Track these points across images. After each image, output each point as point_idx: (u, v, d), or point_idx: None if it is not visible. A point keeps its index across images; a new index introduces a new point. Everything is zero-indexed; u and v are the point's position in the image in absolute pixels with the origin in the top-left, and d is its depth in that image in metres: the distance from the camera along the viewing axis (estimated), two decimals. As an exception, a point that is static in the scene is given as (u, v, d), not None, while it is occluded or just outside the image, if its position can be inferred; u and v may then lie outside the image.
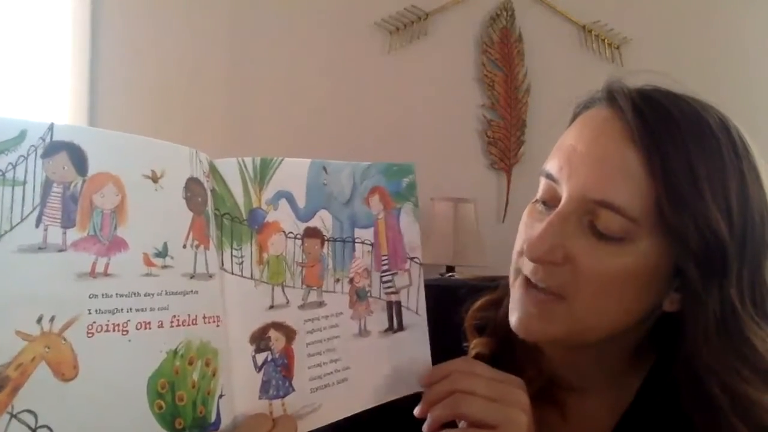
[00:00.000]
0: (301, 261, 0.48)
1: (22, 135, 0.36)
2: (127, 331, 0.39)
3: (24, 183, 0.36)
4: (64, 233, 0.37)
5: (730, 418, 0.52)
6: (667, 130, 0.53)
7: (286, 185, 0.48)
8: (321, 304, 0.49)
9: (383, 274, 0.53)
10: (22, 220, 0.36)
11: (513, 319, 0.57)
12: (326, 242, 0.49)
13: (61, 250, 0.37)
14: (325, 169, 0.50)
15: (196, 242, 0.42)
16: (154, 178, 0.41)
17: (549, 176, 0.55)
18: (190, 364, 0.41)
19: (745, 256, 0.52)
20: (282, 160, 0.48)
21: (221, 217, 0.45)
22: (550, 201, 0.55)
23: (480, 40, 1.91)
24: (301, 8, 1.85)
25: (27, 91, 1.66)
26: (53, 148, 0.37)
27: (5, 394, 0.34)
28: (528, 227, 0.57)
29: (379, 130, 1.83)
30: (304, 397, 0.47)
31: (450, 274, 1.71)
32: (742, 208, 0.53)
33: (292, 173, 0.48)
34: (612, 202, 0.51)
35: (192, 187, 0.43)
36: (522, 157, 1.92)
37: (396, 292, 0.53)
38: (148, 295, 0.40)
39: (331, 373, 0.49)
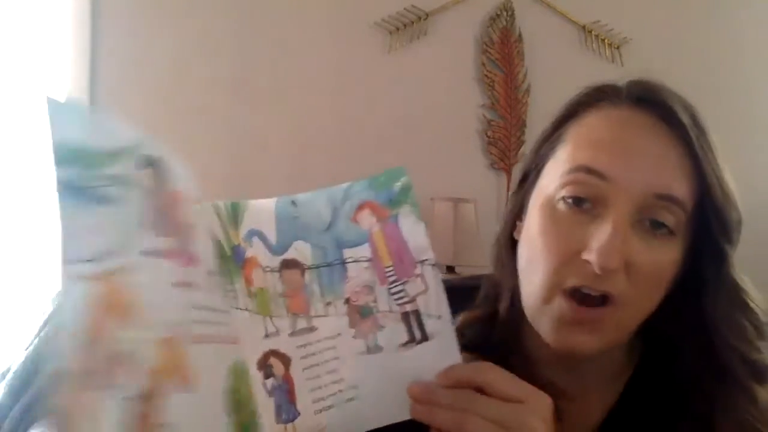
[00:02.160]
0: (281, 292, 0.49)
1: None
2: (211, 343, 0.42)
3: None
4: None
5: (747, 382, 0.56)
6: (701, 129, 0.58)
7: (256, 224, 0.50)
8: (312, 329, 0.50)
9: (391, 286, 0.51)
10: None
11: (553, 336, 0.55)
12: (306, 270, 0.51)
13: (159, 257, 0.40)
14: (293, 203, 0.51)
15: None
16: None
17: (594, 172, 0.54)
18: (242, 381, 0.44)
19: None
20: (248, 202, 0.50)
21: (220, 255, 0.47)
22: (589, 198, 0.54)
23: (480, 40, 1.91)
24: (301, 8, 1.85)
25: (26, 92, 1.66)
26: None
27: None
28: (563, 232, 0.54)
29: (379, 130, 1.84)
30: (310, 418, 0.48)
31: (450, 274, 1.71)
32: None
33: (260, 212, 0.50)
34: (676, 196, 0.53)
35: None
36: (522, 157, 1.92)
37: (411, 301, 0.51)
38: (223, 311, 0.44)
39: (335, 393, 0.49)
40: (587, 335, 0.54)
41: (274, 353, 0.48)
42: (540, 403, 0.48)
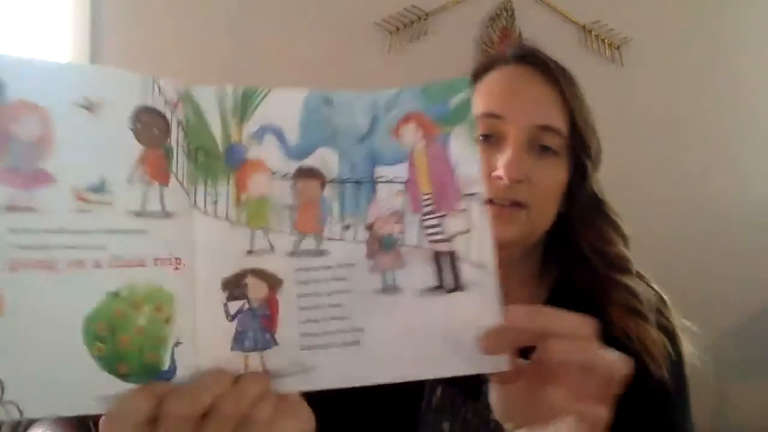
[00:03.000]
0: (290, 204, 0.42)
1: None
2: (56, 269, 0.37)
3: None
4: None
5: (604, 268, 0.74)
6: (568, 77, 0.77)
7: (273, 119, 0.43)
8: (320, 252, 0.43)
9: (425, 217, 0.44)
10: None
11: None
12: (328, 183, 0.43)
13: None
14: (328, 101, 0.44)
15: (147, 177, 0.39)
16: (89, 107, 0.38)
17: (492, 115, 0.71)
18: (136, 308, 0.38)
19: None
20: (269, 90, 0.43)
21: (194, 151, 0.41)
22: (493, 135, 0.71)
23: (480, 40, 1.90)
24: (301, 8, 1.85)
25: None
26: None
27: None
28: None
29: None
30: (291, 353, 0.42)
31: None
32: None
33: (283, 104, 0.43)
34: (553, 125, 0.71)
35: (143, 117, 0.39)
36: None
37: (447, 240, 0.43)
38: (81, 232, 0.37)
39: (334, 332, 0.42)
40: (505, 228, 0.68)
41: (256, 272, 0.41)
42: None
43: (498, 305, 0.43)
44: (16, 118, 0.36)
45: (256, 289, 0.41)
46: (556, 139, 0.71)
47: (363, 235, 0.43)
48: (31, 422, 1.31)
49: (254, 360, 0.41)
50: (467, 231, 0.43)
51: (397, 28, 1.86)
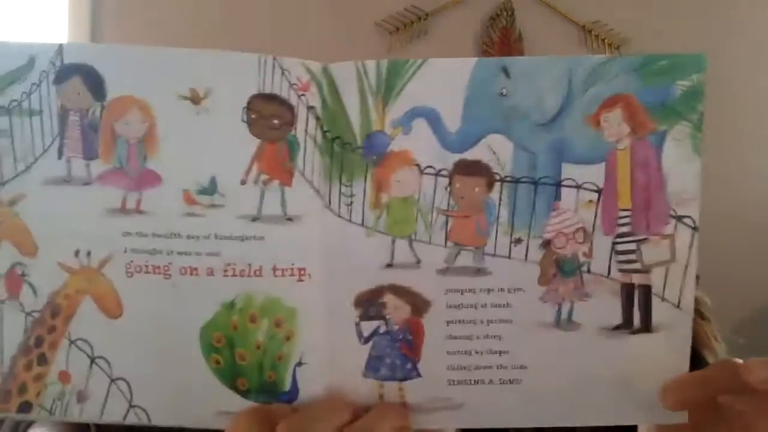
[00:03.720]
0: (446, 208, 0.35)
1: (31, 62, 0.34)
2: (170, 275, 0.34)
3: (40, 112, 0.34)
4: (88, 165, 0.34)
5: None
6: None
7: (427, 99, 0.34)
8: (480, 271, 0.35)
9: (619, 240, 0.35)
10: (44, 151, 0.34)
11: None
12: (498, 183, 0.34)
13: (86, 183, 0.34)
14: (505, 71, 0.34)
15: (265, 177, 0.34)
16: (195, 99, 0.34)
17: None
18: (253, 321, 0.35)
19: None
20: (424, 61, 0.34)
21: (331, 141, 0.34)
22: None
23: (480, 40, 1.90)
24: (300, 8, 1.84)
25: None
26: (64, 72, 0.34)
27: (60, 321, 0.35)
28: None
29: (379, 130, 1.84)
30: (436, 387, 0.36)
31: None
32: None
33: (441, 81, 0.34)
34: None
35: (260, 107, 0.35)
36: (522, 157, 1.91)
37: (644, 271, 0.35)
38: (192, 237, 0.34)
39: (491, 367, 0.36)
40: None
41: (397, 290, 0.35)
42: None
43: (687, 353, 0.36)
44: (120, 115, 0.34)
45: (397, 310, 0.35)
46: None
47: (537, 253, 0.35)
48: (31, 422, 1.31)
49: (390, 391, 0.36)
50: (670, 262, 0.35)
51: (397, 28, 1.86)
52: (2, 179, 0.34)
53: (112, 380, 0.35)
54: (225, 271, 0.34)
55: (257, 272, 0.34)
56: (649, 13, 1.92)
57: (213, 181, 0.34)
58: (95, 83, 0.34)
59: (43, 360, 0.35)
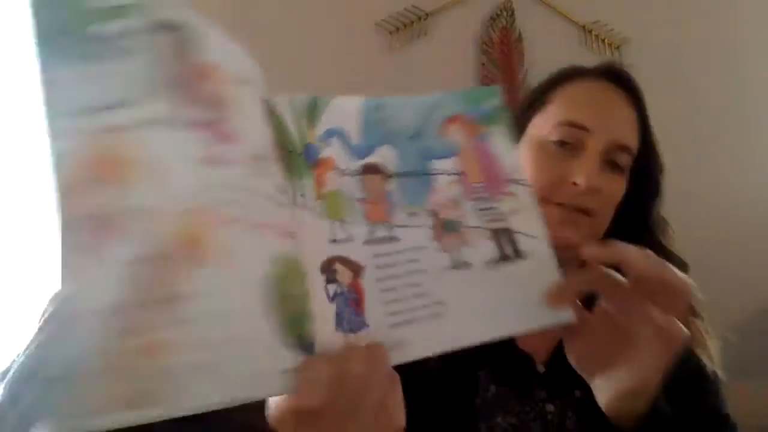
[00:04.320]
0: (359, 197, 0.47)
1: None
2: (240, 223, 0.38)
3: None
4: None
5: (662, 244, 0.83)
6: (643, 101, 0.81)
7: (337, 122, 0.48)
8: (392, 239, 0.47)
9: (480, 203, 0.50)
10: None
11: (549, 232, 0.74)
12: (391, 177, 0.48)
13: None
14: (380, 107, 0.51)
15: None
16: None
17: (577, 126, 0.75)
18: (291, 277, 0.41)
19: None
20: (330, 99, 0.49)
21: (284, 150, 0.45)
22: (571, 143, 0.75)
23: (480, 40, 1.90)
24: (300, 8, 1.85)
25: (26, 92, 1.66)
26: None
27: None
28: (553, 164, 0.75)
29: (379, 130, 1.84)
30: (383, 332, 0.44)
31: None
32: None
33: (344, 110, 0.49)
34: (630, 146, 0.77)
35: None
36: (522, 157, 1.91)
37: (501, 219, 0.50)
38: (256, 194, 0.40)
39: (418, 308, 0.46)
40: (571, 232, 0.72)
41: (341, 260, 0.45)
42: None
43: (555, 267, 0.50)
44: (208, 77, 0.40)
45: (343, 275, 0.45)
46: (627, 159, 0.77)
47: (427, 220, 0.48)
48: (32, 422, 1.31)
49: (352, 340, 0.44)
50: (518, 210, 0.51)
51: (397, 28, 1.86)
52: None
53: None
54: (268, 228, 0.40)
55: (290, 234, 0.42)
56: (649, 13, 1.92)
57: (265, 148, 0.44)
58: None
59: None
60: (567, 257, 0.65)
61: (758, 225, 1.90)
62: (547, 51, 1.88)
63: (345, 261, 0.45)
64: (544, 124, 0.78)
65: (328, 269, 0.44)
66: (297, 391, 0.38)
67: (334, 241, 0.45)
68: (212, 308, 0.35)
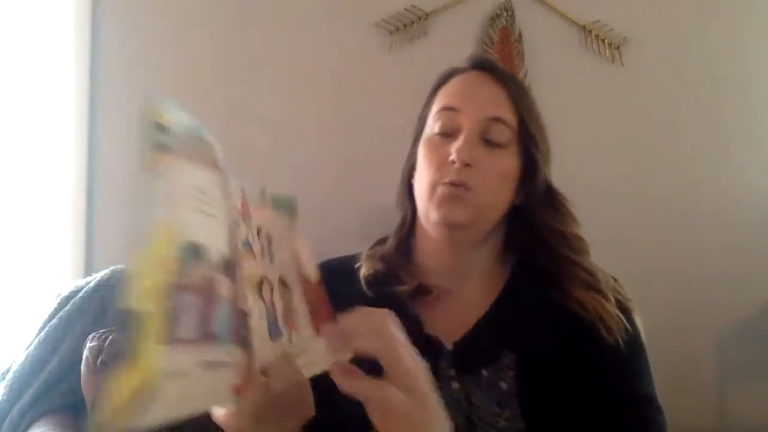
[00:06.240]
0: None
1: None
2: None
3: None
4: None
5: (563, 251, 0.85)
6: (515, 81, 0.90)
7: None
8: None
9: None
10: None
11: (436, 213, 0.82)
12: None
13: None
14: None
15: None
16: None
17: (449, 108, 0.85)
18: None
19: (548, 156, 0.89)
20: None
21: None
22: (449, 130, 0.84)
23: (480, 40, 1.90)
24: (300, 8, 1.85)
25: (27, 96, 1.66)
26: None
27: None
28: (436, 151, 0.84)
29: (378, 131, 1.83)
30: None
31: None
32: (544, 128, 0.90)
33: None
34: (502, 117, 0.83)
35: None
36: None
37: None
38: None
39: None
40: (457, 209, 0.80)
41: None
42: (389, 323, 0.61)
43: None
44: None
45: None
46: (505, 132, 0.83)
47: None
48: (32, 421, 1.31)
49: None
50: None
51: (397, 28, 1.86)
52: None
53: None
54: None
55: None
56: (649, 13, 1.92)
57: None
58: None
59: None
60: (460, 239, 0.85)
61: (758, 225, 1.90)
62: (547, 51, 1.88)
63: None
64: (429, 123, 0.88)
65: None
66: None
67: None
68: None
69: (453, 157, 0.80)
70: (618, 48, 1.91)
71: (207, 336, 0.46)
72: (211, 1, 1.83)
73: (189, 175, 0.47)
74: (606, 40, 1.91)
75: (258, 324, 0.55)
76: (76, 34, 1.71)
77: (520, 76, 1.90)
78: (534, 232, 0.86)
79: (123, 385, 0.37)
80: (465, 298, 0.86)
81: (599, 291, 0.81)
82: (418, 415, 0.51)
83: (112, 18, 1.77)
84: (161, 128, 0.44)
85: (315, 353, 0.59)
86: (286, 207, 0.66)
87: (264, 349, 0.54)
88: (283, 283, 0.61)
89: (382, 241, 0.94)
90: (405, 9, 1.85)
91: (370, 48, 1.86)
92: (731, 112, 1.92)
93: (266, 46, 1.83)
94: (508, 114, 0.84)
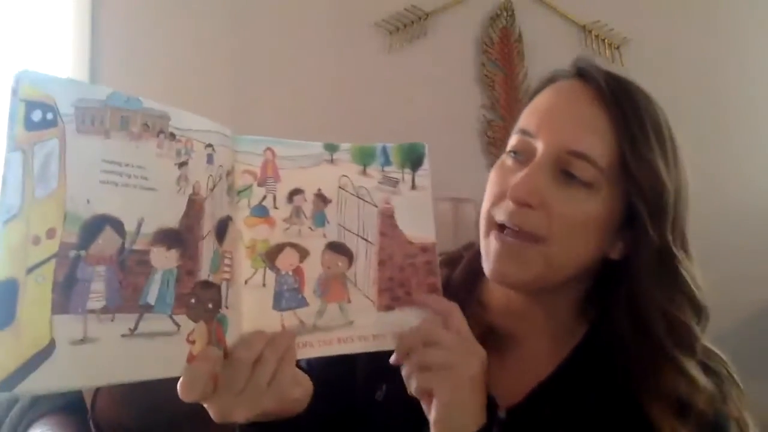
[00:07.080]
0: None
1: None
2: None
3: None
4: None
5: (665, 340, 0.62)
6: (628, 99, 0.63)
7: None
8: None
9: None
10: None
11: (488, 266, 0.65)
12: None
13: None
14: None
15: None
16: None
17: (525, 132, 0.65)
18: None
19: (678, 206, 0.64)
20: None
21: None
22: (522, 153, 0.64)
23: (480, 40, 1.90)
24: (300, 8, 1.85)
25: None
26: None
27: None
28: (501, 179, 0.65)
29: (378, 131, 1.83)
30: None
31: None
32: (677, 169, 0.64)
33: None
34: (586, 152, 0.61)
35: None
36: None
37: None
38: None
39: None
40: (514, 266, 0.62)
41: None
42: (476, 347, 0.60)
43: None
44: None
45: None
46: (589, 170, 0.61)
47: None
48: (32, 422, 1.31)
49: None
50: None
51: (397, 28, 1.86)
52: None
53: None
54: None
55: None
56: (649, 13, 1.92)
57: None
58: None
59: None
60: (517, 297, 0.71)
61: (758, 225, 1.90)
62: (547, 51, 1.88)
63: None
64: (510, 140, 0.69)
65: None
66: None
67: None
68: None
69: (508, 193, 0.62)
70: (618, 48, 1.91)
71: (132, 306, 0.46)
72: (211, 2, 1.83)
73: (93, 148, 0.46)
74: (606, 40, 1.91)
75: (252, 293, 0.54)
76: (76, 34, 1.71)
77: (520, 76, 1.91)
78: (630, 299, 0.63)
79: (8, 350, 0.39)
80: (532, 350, 0.69)
81: (684, 420, 0.61)
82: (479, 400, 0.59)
83: (112, 18, 1.76)
84: (37, 105, 0.43)
85: (364, 328, 0.59)
86: (406, 155, 0.67)
87: (258, 319, 0.54)
88: (335, 248, 0.59)
89: (461, 253, 0.77)
90: (405, 9, 1.85)
91: (370, 48, 1.86)
92: (731, 112, 1.92)
93: (266, 46, 1.83)
94: (597, 148, 0.61)
